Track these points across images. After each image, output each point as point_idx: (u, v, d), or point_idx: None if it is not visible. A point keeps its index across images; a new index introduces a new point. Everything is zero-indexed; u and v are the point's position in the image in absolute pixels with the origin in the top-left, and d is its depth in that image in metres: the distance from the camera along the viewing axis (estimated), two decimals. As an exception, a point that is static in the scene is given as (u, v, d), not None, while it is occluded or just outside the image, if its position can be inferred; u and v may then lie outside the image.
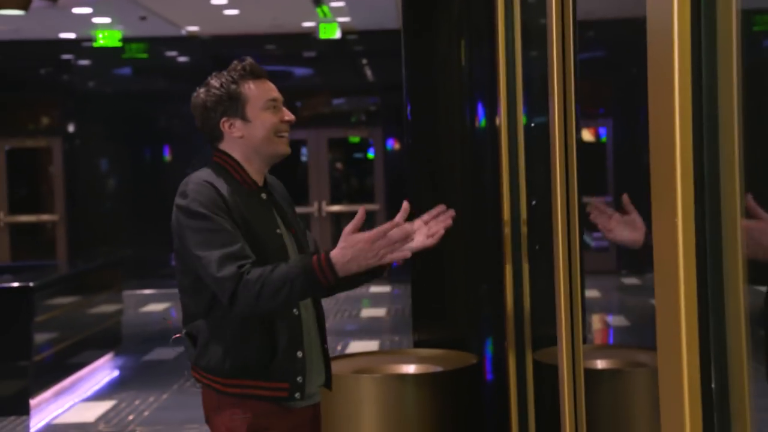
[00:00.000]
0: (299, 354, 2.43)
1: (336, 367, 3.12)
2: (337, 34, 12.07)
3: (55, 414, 6.46)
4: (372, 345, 8.61)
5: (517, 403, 2.72)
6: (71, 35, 12.59)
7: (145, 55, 12.93)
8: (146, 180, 13.09)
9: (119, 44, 12.42)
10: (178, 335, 2.54)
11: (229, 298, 2.32)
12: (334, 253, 2.28)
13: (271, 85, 2.54)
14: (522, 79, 2.72)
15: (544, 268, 2.88)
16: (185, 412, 6.36)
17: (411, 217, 2.37)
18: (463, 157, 3.96)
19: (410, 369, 3.16)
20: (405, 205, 2.32)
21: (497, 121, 3.59)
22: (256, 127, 2.49)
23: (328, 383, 2.58)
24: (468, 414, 3.13)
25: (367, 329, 9.46)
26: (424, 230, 2.46)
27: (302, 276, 2.28)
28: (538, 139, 2.81)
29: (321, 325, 2.56)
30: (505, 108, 2.76)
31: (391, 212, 13.06)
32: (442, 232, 2.44)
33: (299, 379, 2.43)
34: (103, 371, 7.76)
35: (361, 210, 2.31)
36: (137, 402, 6.67)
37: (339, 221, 13.95)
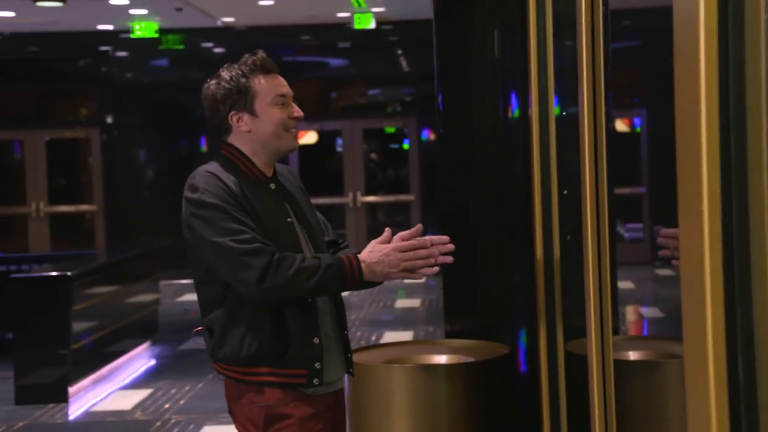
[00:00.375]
0: (315, 340, 2.44)
1: (367, 357, 3.12)
2: (371, 25, 12.06)
3: (93, 402, 6.54)
4: (406, 335, 8.62)
5: (548, 394, 2.71)
6: (109, 27, 12.69)
7: (181, 46, 13.00)
8: (183, 170, 13.12)
9: (156, 35, 12.50)
10: (198, 328, 2.57)
11: (259, 274, 2.32)
12: (363, 255, 2.36)
13: (282, 80, 2.55)
14: (553, 68, 2.70)
15: (575, 258, 2.87)
16: (220, 401, 6.38)
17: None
18: (495, 147, 3.94)
19: (441, 359, 3.16)
20: (418, 226, 2.41)
21: (529, 111, 3.57)
22: (263, 122, 2.50)
23: (349, 370, 2.59)
24: (499, 405, 3.12)
25: (402, 320, 9.46)
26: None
27: (335, 266, 2.32)
28: (570, 129, 2.79)
29: (340, 313, 2.57)
30: (536, 98, 2.75)
31: (425, 203, 13.05)
32: (436, 269, 2.42)
33: (317, 365, 2.43)
34: (140, 360, 7.84)
35: (387, 230, 2.38)
36: (173, 390, 6.73)
37: (374, 212, 13.96)
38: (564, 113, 2.76)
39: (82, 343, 6.88)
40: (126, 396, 6.68)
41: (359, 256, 2.37)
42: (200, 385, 6.88)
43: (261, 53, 2.55)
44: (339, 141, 13.75)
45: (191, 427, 5.77)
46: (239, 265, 2.35)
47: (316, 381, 2.43)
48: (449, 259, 2.42)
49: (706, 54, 1.03)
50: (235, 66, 2.53)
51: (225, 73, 2.52)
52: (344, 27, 12.53)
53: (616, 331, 3.21)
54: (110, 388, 6.89)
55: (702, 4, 1.03)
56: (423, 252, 2.36)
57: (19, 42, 12.99)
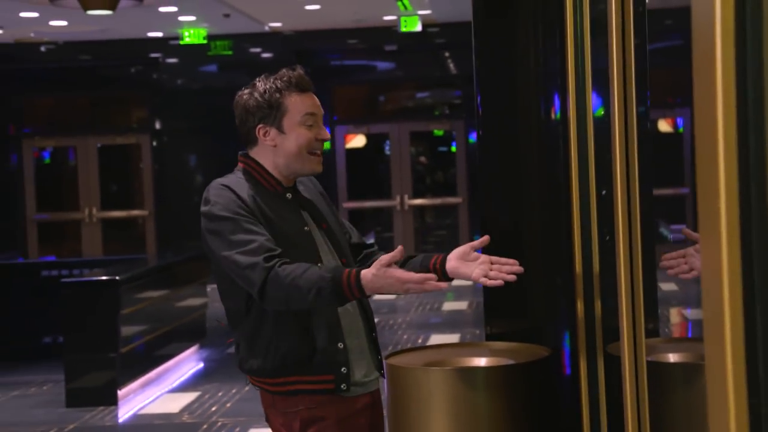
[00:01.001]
0: (340, 345, 2.45)
1: (407, 359, 3.12)
2: (418, 27, 12.06)
3: (141, 404, 6.62)
4: (453, 338, 8.60)
5: (588, 396, 2.69)
6: (158, 34, 12.85)
7: (229, 52, 13.12)
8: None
9: (204, 42, 12.64)
10: (231, 339, 2.60)
11: (258, 291, 2.35)
12: (365, 275, 2.31)
13: (315, 100, 2.54)
14: (591, 69, 2.68)
15: (613, 259, 2.84)
16: (267, 403, 6.45)
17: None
18: (537, 149, 3.91)
19: (481, 362, 3.14)
20: (399, 248, 2.34)
21: (567, 112, 3.54)
22: (290, 140, 2.50)
23: (381, 371, 2.60)
24: (539, 407, 3.10)
25: (449, 322, 9.45)
26: (486, 267, 2.45)
27: (330, 286, 2.30)
28: (608, 130, 2.77)
29: (368, 315, 2.57)
30: (573, 99, 2.73)
31: (473, 205, 13.00)
32: (500, 282, 2.42)
33: (343, 369, 2.44)
34: (188, 363, 7.92)
35: (399, 248, 2.34)
36: (220, 393, 6.79)
37: (422, 215, 13.95)
38: (601, 114, 2.74)
39: (132, 346, 6.96)
40: (174, 399, 6.75)
41: (361, 275, 2.31)
42: (246, 388, 6.93)
43: (299, 70, 2.54)
44: (387, 144, 13.77)
45: (237, 429, 5.81)
46: (244, 280, 2.38)
47: (343, 386, 2.44)
48: (511, 277, 2.42)
49: (723, 54, 1.02)
50: (272, 79, 2.53)
51: (260, 85, 2.53)
52: (391, 30, 12.54)
53: (657, 333, 3.17)
54: (158, 391, 6.97)
55: (718, 3, 1.02)
56: (430, 287, 2.30)
57: (72, 51, 13.21)
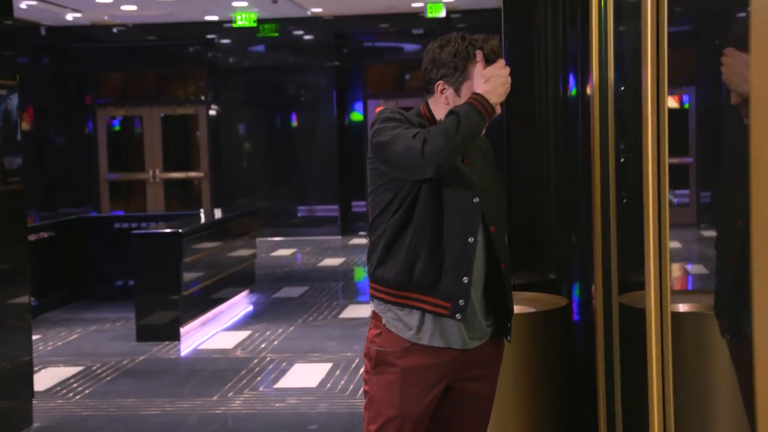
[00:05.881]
0: (465, 279, 2.28)
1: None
2: (442, 13, 11.90)
3: (200, 341, 6.65)
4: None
5: (603, 341, 2.65)
6: (214, 17, 12.77)
7: (276, 34, 13.02)
8: (276, 142, 13.25)
9: (255, 25, 12.54)
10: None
11: (420, 149, 2.18)
12: (481, 89, 2.24)
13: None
14: (613, 51, 2.61)
15: (629, 220, 2.78)
16: (309, 342, 6.46)
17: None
18: (555, 122, 3.85)
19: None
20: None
21: (589, 90, 3.48)
22: None
23: (503, 331, 2.42)
24: (558, 352, 3.06)
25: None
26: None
27: (467, 108, 2.21)
28: (625, 106, 2.70)
29: (494, 282, 2.38)
30: (597, 78, 2.66)
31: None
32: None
33: (461, 302, 2.28)
34: (239, 306, 7.95)
35: (501, 61, 2.29)
36: (268, 333, 6.80)
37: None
38: (622, 89, 2.66)
39: (192, 290, 6.99)
40: (228, 336, 6.78)
41: (478, 91, 2.24)
42: (291, 328, 6.94)
43: (494, 41, 2.33)
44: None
45: (284, 364, 5.83)
46: (408, 151, 2.21)
47: (458, 316, 2.28)
48: None
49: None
50: (466, 42, 2.31)
51: (453, 44, 2.31)
52: (418, 15, 12.40)
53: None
54: (214, 330, 7.00)
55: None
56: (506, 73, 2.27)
57: (140, 32, 13.17)
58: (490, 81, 2.24)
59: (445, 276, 2.28)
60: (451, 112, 2.23)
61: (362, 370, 2.47)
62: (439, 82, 2.33)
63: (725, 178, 2.33)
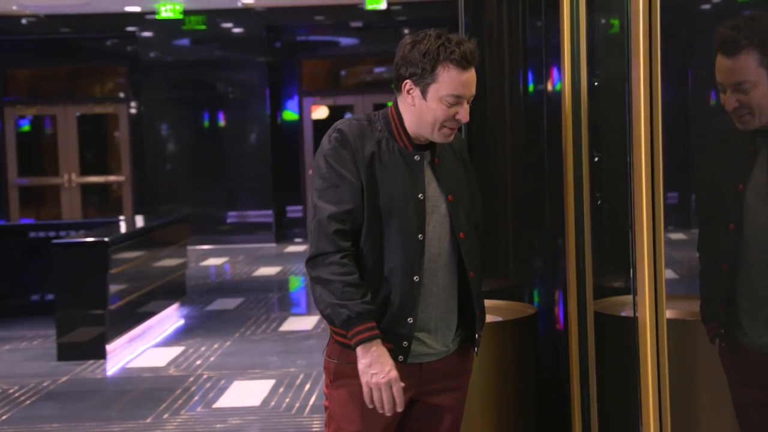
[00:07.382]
0: (409, 320, 2.31)
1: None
2: (383, 5, 11.93)
3: (128, 358, 6.52)
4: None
5: (578, 351, 2.67)
6: (136, 8, 12.57)
7: (203, 27, 12.88)
8: (204, 143, 13.11)
9: (180, 16, 12.38)
10: None
11: (309, 257, 2.27)
12: (365, 350, 2.26)
13: (469, 79, 2.27)
14: (585, 43, 2.64)
15: (604, 222, 2.82)
16: (248, 357, 6.39)
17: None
18: (514, 120, 3.87)
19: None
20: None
21: (550, 86, 3.50)
22: (426, 109, 2.29)
23: (471, 341, 2.43)
24: (526, 362, 3.08)
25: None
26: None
27: (347, 318, 2.24)
28: (600, 100, 2.73)
29: (465, 290, 2.38)
30: (568, 72, 2.68)
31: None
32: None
33: (404, 343, 2.32)
34: (170, 320, 7.82)
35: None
36: (203, 348, 6.71)
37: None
38: (595, 84, 2.70)
39: (118, 304, 6.85)
40: (159, 353, 6.66)
41: (374, 342, 2.25)
42: (228, 343, 6.86)
43: (471, 45, 2.27)
44: (349, 115, 13.67)
45: (222, 382, 5.75)
46: (310, 235, 2.29)
47: (400, 358, 2.32)
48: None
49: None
50: (439, 43, 2.26)
51: (425, 42, 2.27)
52: (356, 8, 12.40)
53: (628, 290, 3.16)
54: (144, 346, 6.87)
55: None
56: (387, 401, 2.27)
57: (52, 23, 12.89)
58: (373, 365, 2.25)
59: (389, 315, 2.31)
60: (349, 301, 2.24)
61: (307, 386, 2.47)
62: (407, 81, 2.31)
63: (703, 179, 2.37)
